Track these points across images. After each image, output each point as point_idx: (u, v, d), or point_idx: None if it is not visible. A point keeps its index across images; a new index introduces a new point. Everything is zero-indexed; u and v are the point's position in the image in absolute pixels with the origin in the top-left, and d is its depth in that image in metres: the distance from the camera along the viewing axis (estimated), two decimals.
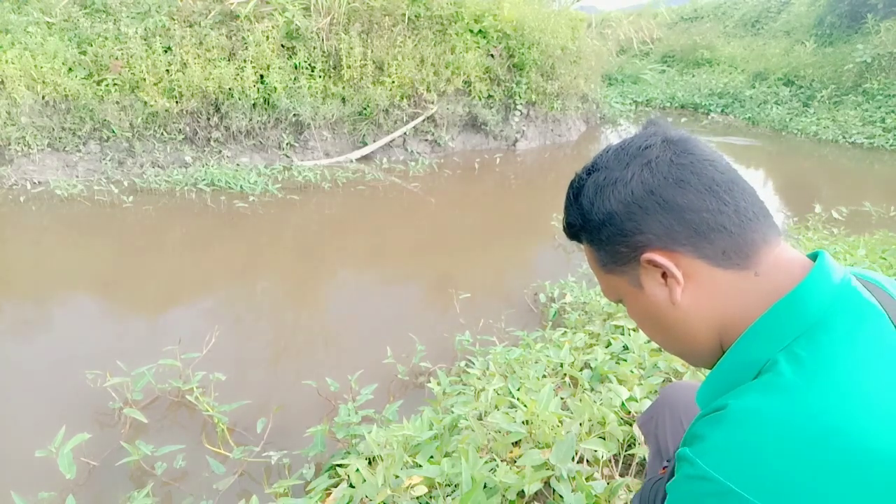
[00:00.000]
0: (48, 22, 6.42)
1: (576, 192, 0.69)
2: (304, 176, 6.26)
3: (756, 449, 0.49)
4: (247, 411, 2.47)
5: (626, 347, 2.38)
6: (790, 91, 11.21)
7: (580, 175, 0.70)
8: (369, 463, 1.82)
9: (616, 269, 0.68)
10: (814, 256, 0.63)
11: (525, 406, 1.73)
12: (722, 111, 12.09)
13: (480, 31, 8.00)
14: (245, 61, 6.62)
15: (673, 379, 2.05)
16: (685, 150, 0.64)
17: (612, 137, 9.58)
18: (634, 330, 2.52)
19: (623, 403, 1.84)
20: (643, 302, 0.68)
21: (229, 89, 6.46)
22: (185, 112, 6.44)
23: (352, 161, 7.13)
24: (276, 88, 6.65)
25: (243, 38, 6.77)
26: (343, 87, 7.17)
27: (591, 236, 0.69)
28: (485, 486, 1.49)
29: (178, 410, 2.62)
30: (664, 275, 0.64)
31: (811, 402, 0.49)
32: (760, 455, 0.48)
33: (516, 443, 1.73)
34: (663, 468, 0.96)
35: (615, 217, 0.64)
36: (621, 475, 1.63)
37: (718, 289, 0.62)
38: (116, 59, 6.23)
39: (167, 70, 6.34)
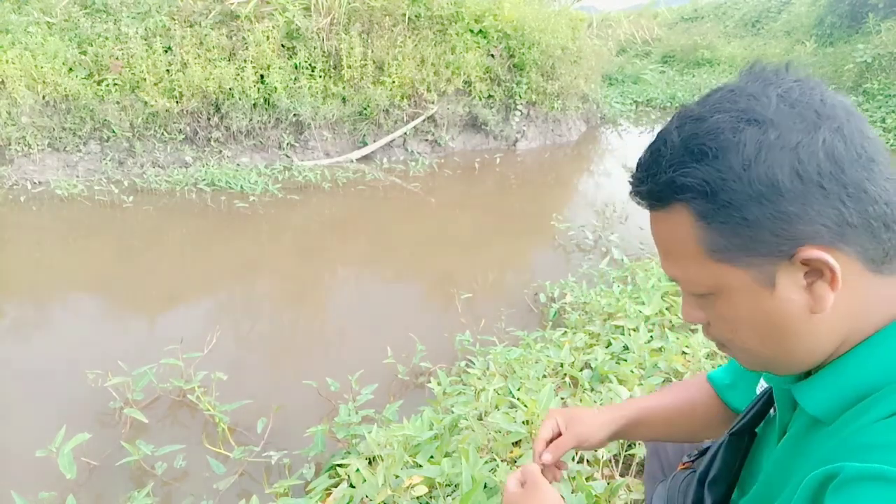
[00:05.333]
0: (48, 22, 6.42)
1: (721, 145, 0.48)
2: (304, 176, 6.26)
3: None
4: (247, 411, 2.47)
5: (626, 347, 2.38)
6: None
7: (731, 122, 0.49)
8: (369, 463, 1.82)
9: (738, 259, 0.51)
10: None
11: (525, 406, 1.74)
12: None
13: (481, 31, 8.00)
14: (245, 61, 6.61)
15: (673, 379, 2.05)
16: (863, 118, 0.50)
17: (612, 138, 9.57)
18: (634, 330, 2.51)
19: None
20: (764, 304, 0.52)
21: (229, 89, 6.46)
22: (185, 112, 6.43)
23: (352, 161, 7.13)
24: (276, 88, 6.65)
25: (243, 38, 6.77)
26: (343, 87, 7.17)
27: (719, 208, 0.49)
28: (485, 486, 1.49)
29: (179, 410, 2.62)
30: (807, 273, 0.50)
31: None
32: None
33: (516, 443, 1.73)
34: (684, 463, 0.91)
35: (781, 193, 0.47)
36: (621, 475, 1.63)
37: (865, 296, 0.51)
38: (117, 59, 6.24)
39: (167, 70, 6.34)
